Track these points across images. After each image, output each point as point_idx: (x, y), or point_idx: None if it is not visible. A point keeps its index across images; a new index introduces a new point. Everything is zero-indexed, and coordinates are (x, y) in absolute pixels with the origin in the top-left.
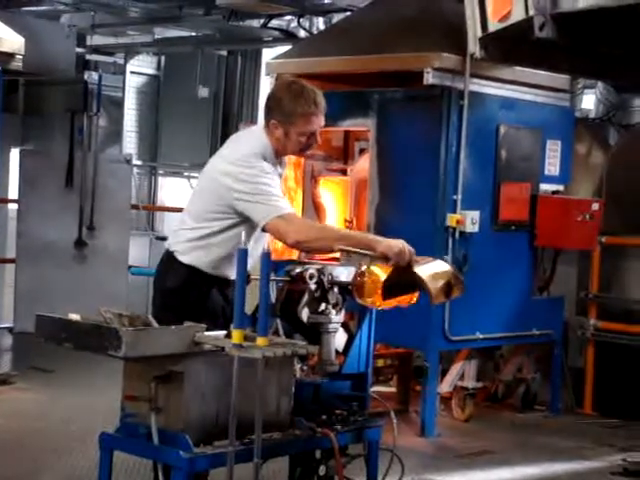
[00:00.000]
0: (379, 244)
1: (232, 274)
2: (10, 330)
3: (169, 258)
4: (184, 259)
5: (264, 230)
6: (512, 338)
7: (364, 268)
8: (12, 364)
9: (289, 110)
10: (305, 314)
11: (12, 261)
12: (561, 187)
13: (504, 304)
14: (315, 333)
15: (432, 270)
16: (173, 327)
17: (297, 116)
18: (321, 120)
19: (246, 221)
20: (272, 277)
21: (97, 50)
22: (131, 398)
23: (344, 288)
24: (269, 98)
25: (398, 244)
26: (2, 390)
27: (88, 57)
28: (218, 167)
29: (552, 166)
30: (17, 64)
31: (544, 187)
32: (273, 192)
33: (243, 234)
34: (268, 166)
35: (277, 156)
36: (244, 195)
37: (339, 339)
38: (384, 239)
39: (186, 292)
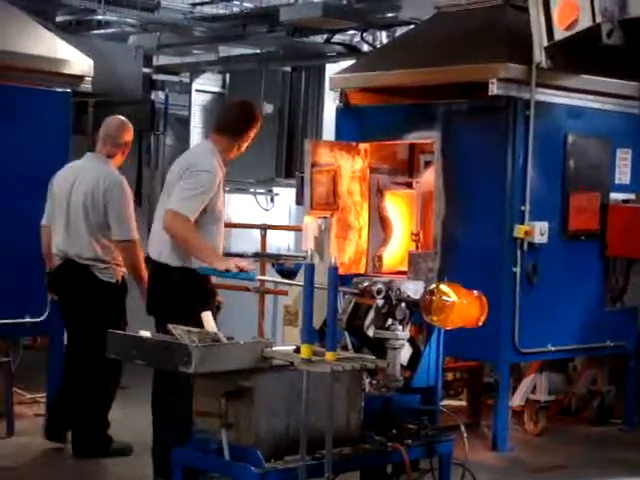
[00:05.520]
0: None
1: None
2: None
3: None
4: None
5: None
6: (585, 350)
7: (433, 286)
8: None
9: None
10: (372, 329)
11: None
12: (632, 196)
13: (575, 315)
14: (381, 348)
15: None
16: (242, 342)
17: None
18: None
19: None
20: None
21: (163, 70)
22: (202, 414)
23: (412, 303)
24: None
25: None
26: None
27: (154, 77)
28: None
29: (623, 175)
30: (86, 86)
31: (614, 196)
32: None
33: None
34: None
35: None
36: None
37: (404, 354)
38: (226, 260)
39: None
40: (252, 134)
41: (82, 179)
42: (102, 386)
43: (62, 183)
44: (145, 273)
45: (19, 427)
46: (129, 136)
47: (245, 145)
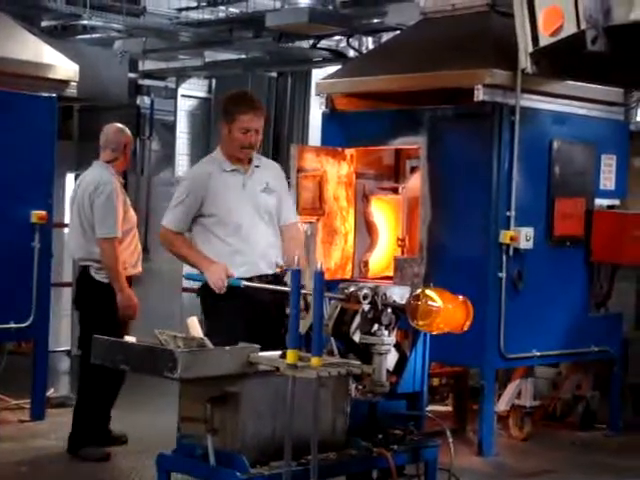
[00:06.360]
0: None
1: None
2: (68, 353)
3: None
4: None
5: None
6: (569, 355)
7: (419, 291)
8: (70, 387)
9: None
10: (358, 335)
11: (69, 285)
12: (617, 201)
13: (560, 321)
14: (367, 353)
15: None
16: (227, 348)
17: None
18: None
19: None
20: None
21: (149, 75)
22: (187, 419)
23: (397, 308)
24: None
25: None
26: (60, 412)
27: (140, 82)
28: None
29: (607, 180)
30: (72, 91)
31: (599, 202)
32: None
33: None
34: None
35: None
36: None
37: (390, 359)
38: (211, 266)
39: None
40: (241, 118)
41: (82, 186)
42: (96, 390)
43: (73, 193)
44: (120, 276)
45: (4, 433)
46: (125, 138)
47: (239, 132)
